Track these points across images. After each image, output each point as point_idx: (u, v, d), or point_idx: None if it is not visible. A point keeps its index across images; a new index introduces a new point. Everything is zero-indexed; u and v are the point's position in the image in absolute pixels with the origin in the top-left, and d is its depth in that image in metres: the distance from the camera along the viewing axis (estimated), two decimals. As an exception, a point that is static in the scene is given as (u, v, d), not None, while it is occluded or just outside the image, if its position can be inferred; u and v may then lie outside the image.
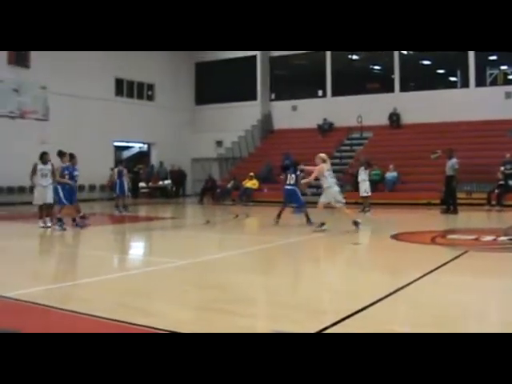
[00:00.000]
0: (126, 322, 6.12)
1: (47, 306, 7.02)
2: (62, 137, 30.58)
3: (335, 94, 37.07)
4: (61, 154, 17.40)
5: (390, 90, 35.60)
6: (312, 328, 5.77)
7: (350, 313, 6.39)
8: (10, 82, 24.58)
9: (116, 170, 24.08)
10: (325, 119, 36.28)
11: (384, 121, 34.67)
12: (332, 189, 15.72)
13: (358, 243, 13.48)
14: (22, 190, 30.70)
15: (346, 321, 6.12)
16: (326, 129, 36.33)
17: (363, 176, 23.41)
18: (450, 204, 22.01)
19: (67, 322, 6.46)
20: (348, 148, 34.35)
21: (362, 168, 23.69)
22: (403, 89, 35.31)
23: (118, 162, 25.44)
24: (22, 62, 28.81)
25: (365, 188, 23.22)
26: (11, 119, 25.01)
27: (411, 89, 35.34)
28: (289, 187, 17.78)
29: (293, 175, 18.03)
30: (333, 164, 32.99)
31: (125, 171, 24.00)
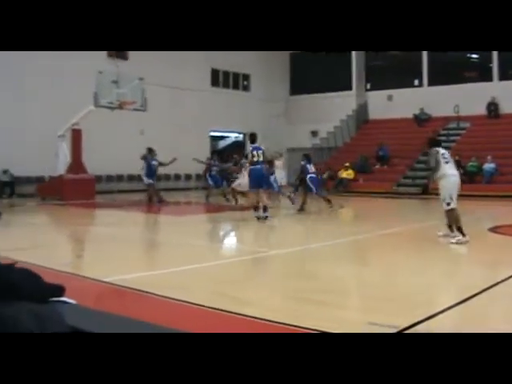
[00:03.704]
0: (225, 311, 6.29)
1: (150, 292, 7.25)
2: (159, 127, 31.21)
3: (431, 83, 36.41)
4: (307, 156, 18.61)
5: (488, 78, 34.65)
6: (405, 322, 5.78)
7: (444, 307, 6.36)
8: (110, 74, 25.15)
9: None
10: (421, 109, 35.73)
11: (482, 110, 33.77)
12: None
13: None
14: (120, 178, 31.55)
15: (440, 315, 6.10)
16: (422, 119, 35.79)
17: None
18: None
19: (174, 311, 6.65)
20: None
21: None
22: (502, 77, 34.34)
23: (211, 154, 25.98)
24: (120, 54, 29.49)
25: None
26: (110, 110, 25.61)
27: (510, 77, 34.32)
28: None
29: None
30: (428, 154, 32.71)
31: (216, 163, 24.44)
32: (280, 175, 27.60)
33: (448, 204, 11.81)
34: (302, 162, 19.89)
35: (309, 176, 19.31)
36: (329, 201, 19.28)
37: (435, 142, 13.05)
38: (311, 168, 19.65)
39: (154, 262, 10.76)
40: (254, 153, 16.32)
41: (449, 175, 11.92)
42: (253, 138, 17.01)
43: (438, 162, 11.94)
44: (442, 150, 12.29)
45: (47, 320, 1.72)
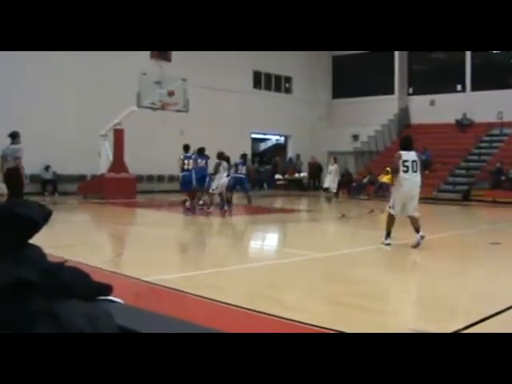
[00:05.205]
0: (264, 313, 6.31)
1: (190, 293, 7.30)
2: (200, 128, 31.29)
3: (475, 88, 36.00)
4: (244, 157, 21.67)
5: (533, 84, 34.28)
6: (447, 328, 5.73)
7: (487, 315, 6.27)
8: (153, 75, 25.40)
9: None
10: (464, 114, 35.38)
11: (526, 117, 33.38)
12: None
13: (497, 243, 13.07)
14: (161, 178, 31.73)
15: (482, 323, 6.02)
16: (464, 124, 35.44)
17: None
18: None
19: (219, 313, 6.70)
20: (487, 145, 33.44)
21: None
22: (547, 83, 33.91)
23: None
24: (164, 55, 29.70)
25: None
26: (152, 110, 25.85)
27: (556, 83, 33.82)
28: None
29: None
30: (470, 161, 32.40)
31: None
32: (331, 180, 27.49)
33: (390, 208, 12.39)
34: (238, 161, 21.86)
35: (233, 175, 21.22)
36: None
37: (405, 144, 12.93)
38: (242, 169, 21.66)
39: (193, 262, 10.81)
40: (186, 161, 19.42)
41: (403, 184, 12.19)
42: (186, 148, 20.05)
43: (397, 167, 12.24)
44: (404, 157, 12.23)
45: (97, 319, 1.76)
